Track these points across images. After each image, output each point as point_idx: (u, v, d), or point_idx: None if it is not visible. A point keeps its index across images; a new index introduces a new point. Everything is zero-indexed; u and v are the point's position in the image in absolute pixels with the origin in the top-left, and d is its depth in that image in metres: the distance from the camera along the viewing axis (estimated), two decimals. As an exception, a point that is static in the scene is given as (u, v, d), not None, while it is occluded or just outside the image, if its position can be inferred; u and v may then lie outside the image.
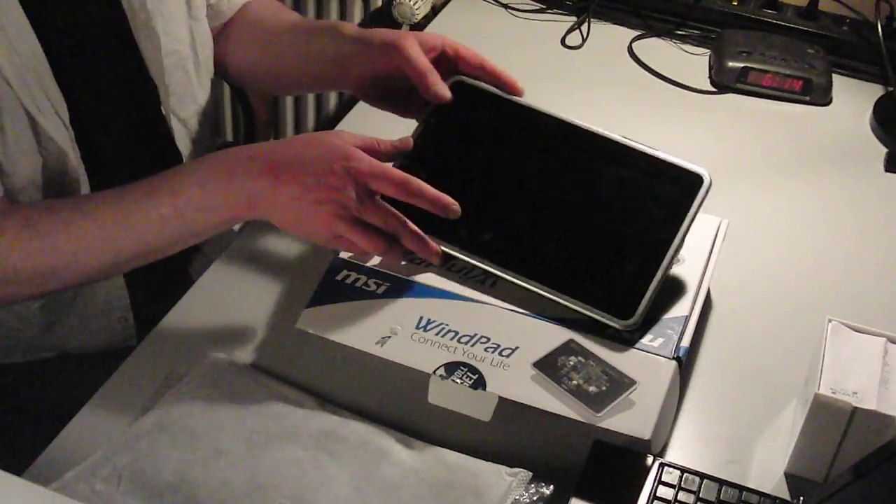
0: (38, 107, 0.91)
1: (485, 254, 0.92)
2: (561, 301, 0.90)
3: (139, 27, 1.01)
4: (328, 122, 1.92)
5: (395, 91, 1.00)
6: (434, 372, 0.85)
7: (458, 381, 0.85)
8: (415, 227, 0.88)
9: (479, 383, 0.85)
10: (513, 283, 0.91)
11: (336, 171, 0.85)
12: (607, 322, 0.88)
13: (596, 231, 0.94)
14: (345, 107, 1.30)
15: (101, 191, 0.91)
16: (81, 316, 1.06)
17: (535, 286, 0.90)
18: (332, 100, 1.92)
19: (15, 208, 0.90)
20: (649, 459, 0.82)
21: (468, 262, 0.93)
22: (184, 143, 1.10)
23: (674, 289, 0.93)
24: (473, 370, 0.85)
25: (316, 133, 0.87)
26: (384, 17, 1.72)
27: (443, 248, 0.92)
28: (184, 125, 1.10)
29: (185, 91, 1.08)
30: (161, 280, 1.07)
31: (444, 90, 0.94)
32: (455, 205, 0.88)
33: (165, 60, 1.04)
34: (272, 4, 1.18)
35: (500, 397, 0.84)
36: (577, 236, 0.94)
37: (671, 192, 0.93)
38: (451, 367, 0.86)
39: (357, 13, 1.80)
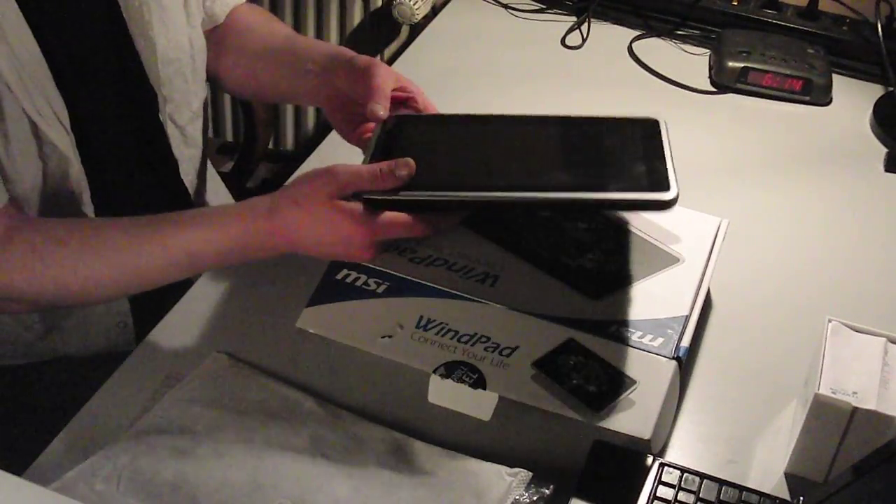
0: (40, 112, 0.91)
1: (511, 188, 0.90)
2: (603, 197, 0.88)
3: (137, 35, 1.01)
4: (328, 122, 1.92)
5: (350, 114, 1.03)
6: (434, 371, 0.85)
7: (458, 380, 0.85)
8: (422, 228, 0.90)
9: (479, 383, 0.85)
10: (546, 201, 0.90)
11: (355, 256, 0.91)
12: (655, 199, 0.87)
13: (591, 168, 0.93)
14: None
15: (109, 223, 0.91)
16: (81, 320, 1.06)
17: (569, 196, 0.88)
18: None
19: (21, 229, 0.89)
20: (649, 459, 0.82)
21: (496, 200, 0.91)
22: (180, 150, 1.10)
23: (674, 289, 0.93)
24: (473, 369, 0.85)
25: (333, 209, 0.86)
26: (384, 16, 1.72)
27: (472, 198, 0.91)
28: (181, 132, 1.10)
29: (183, 98, 1.08)
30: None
31: (379, 109, 0.95)
32: (401, 163, 0.88)
33: (166, 69, 1.04)
34: (265, 16, 1.18)
35: (500, 397, 0.84)
36: (576, 171, 0.93)
37: (637, 136, 0.95)
38: (451, 367, 0.86)
39: (357, 13, 1.80)
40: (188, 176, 1.12)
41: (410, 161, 0.87)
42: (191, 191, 1.13)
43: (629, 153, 0.93)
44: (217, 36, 1.15)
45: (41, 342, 1.06)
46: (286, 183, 0.91)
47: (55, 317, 1.05)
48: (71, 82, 0.95)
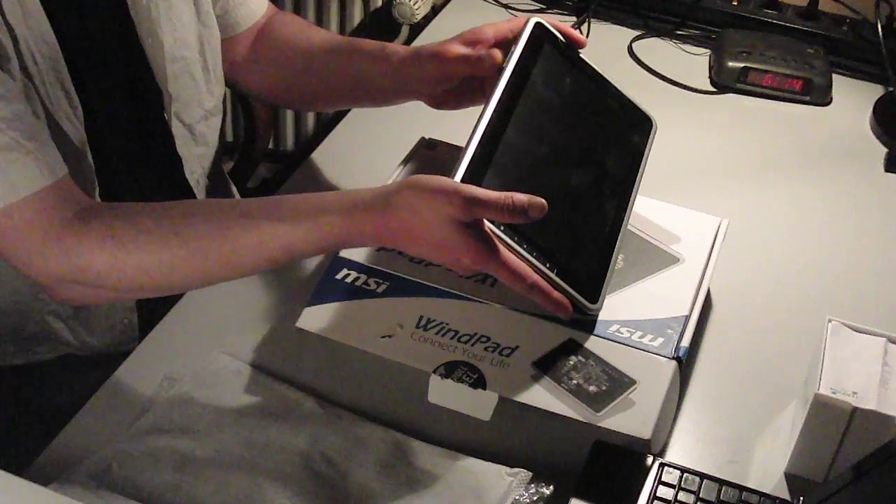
0: (57, 105, 0.91)
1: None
2: (545, 272, 0.85)
3: (144, 34, 1.01)
4: (328, 121, 1.92)
5: (458, 94, 1.02)
6: (434, 371, 0.85)
7: (458, 380, 0.85)
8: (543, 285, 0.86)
9: (479, 383, 0.84)
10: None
11: (463, 265, 0.84)
12: (577, 302, 0.87)
13: (578, 188, 0.93)
14: (344, 109, 1.30)
15: (195, 211, 0.88)
16: (85, 316, 1.06)
17: (527, 253, 0.84)
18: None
19: (98, 213, 0.87)
20: (649, 459, 0.82)
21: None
22: (186, 148, 1.10)
23: (674, 289, 0.93)
24: (473, 369, 0.85)
25: (452, 232, 0.81)
26: (384, 17, 1.72)
27: None
28: (189, 130, 1.10)
29: (192, 97, 1.08)
30: None
31: (492, 56, 0.96)
32: (536, 204, 0.82)
33: (172, 66, 1.04)
34: (296, 22, 1.16)
35: (500, 397, 0.84)
36: (564, 198, 0.92)
37: (630, 139, 0.96)
38: (450, 367, 0.86)
39: (357, 13, 1.80)
40: (194, 174, 1.12)
41: (545, 203, 0.81)
42: (196, 189, 1.13)
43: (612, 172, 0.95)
44: (248, 47, 1.14)
45: (49, 331, 1.06)
46: (399, 183, 0.83)
47: (58, 319, 1.05)
48: (83, 77, 0.95)
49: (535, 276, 0.84)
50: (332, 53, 1.10)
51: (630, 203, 0.96)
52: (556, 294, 0.86)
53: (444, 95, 1.03)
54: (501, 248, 0.83)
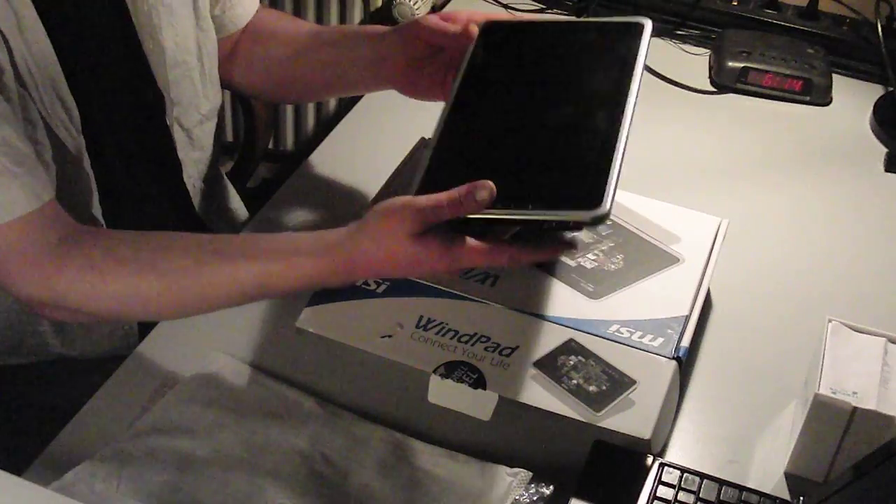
0: (53, 114, 0.91)
1: None
2: (526, 217, 0.80)
3: (146, 39, 1.01)
4: (328, 121, 1.92)
5: (430, 76, 1.01)
6: (434, 371, 0.85)
7: (458, 380, 0.85)
8: (503, 258, 0.84)
9: (479, 383, 0.84)
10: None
11: (441, 272, 0.84)
12: (580, 218, 0.79)
13: (554, 126, 0.88)
14: (345, 107, 1.30)
15: (173, 244, 0.89)
16: (86, 323, 1.06)
17: (499, 214, 0.80)
18: (332, 101, 1.91)
19: (78, 242, 0.88)
20: (649, 459, 0.82)
21: None
22: (185, 152, 1.10)
23: (674, 289, 0.93)
24: (473, 369, 0.85)
25: (414, 245, 0.82)
26: (384, 17, 1.72)
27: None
28: (188, 135, 1.10)
29: (191, 101, 1.08)
30: None
31: (456, 28, 0.95)
32: (480, 186, 0.81)
33: (173, 71, 1.04)
34: (283, 17, 1.17)
35: (500, 397, 0.84)
36: (537, 141, 0.87)
37: (617, 53, 0.90)
38: (451, 367, 0.86)
39: (357, 13, 1.80)
40: (192, 179, 1.12)
41: (489, 183, 0.80)
42: (193, 194, 1.13)
43: (596, 96, 0.88)
44: (238, 45, 1.14)
45: (46, 344, 1.06)
46: (363, 218, 0.84)
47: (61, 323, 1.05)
48: (81, 84, 0.95)
49: (511, 248, 0.83)
50: (316, 39, 1.10)
51: (628, 104, 0.86)
52: (539, 251, 0.85)
53: (416, 76, 1.01)
54: (468, 239, 0.81)
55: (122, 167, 1.04)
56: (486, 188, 0.80)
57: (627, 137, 0.83)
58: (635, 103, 0.85)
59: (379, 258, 0.83)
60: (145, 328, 1.03)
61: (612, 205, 0.77)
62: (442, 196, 0.81)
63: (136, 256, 0.87)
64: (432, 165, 0.85)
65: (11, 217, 0.84)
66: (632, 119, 0.84)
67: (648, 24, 0.92)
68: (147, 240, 0.89)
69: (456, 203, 0.80)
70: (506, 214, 0.80)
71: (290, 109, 1.93)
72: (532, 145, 0.87)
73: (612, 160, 0.80)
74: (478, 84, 0.92)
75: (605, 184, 0.79)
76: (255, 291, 0.87)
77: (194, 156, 1.12)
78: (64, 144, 0.93)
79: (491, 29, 0.95)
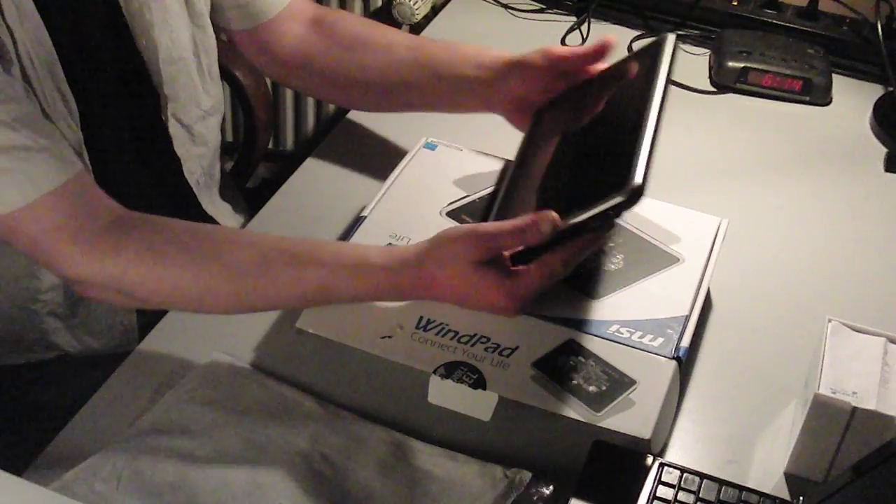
0: (54, 107, 0.92)
1: None
2: (573, 220, 0.84)
3: (139, 35, 1.01)
4: (328, 121, 1.92)
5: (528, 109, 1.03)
6: (434, 372, 0.85)
7: (458, 380, 0.85)
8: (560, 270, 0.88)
9: (479, 383, 0.84)
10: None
11: (498, 313, 0.88)
12: (614, 202, 0.82)
13: (593, 143, 0.94)
14: (343, 109, 1.30)
15: (238, 239, 0.88)
16: (86, 317, 1.06)
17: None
18: (332, 100, 1.91)
19: (136, 225, 0.88)
20: (649, 459, 0.82)
21: None
22: (184, 149, 1.10)
23: (674, 289, 0.93)
24: (473, 370, 0.85)
25: (477, 274, 0.85)
26: (384, 16, 1.72)
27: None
28: (187, 130, 1.10)
29: (190, 97, 1.08)
30: None
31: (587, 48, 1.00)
32: (544, 218, 0.84)
33: (170, 67, 1.04)
34: (375, 26, 1.14)
35: (500, 397, 0.84)
36: (580, 159, 0.93)
37: (644, 68, 0.94)
38: (450, 367, 0.86)
39: (357, 13, 1.80)
40: (194, 175, 1.12)
41: (553, 214, 0.83)
42: (196, 190, 1.13)
43: (624, 106, 0.93)
44: (329, 56, 1.12)
45: (47, 339, 1.06)
46: (431, 239, 0.87)
47: (58, 319, 1.05)
48: (78, 79, 0.95)
49: (562, 256, 0.86)
50: (418, 53, 1.09)
51: (653, 101, 0.89)
52: (581, 246, 0.88)
53: (525, 106, 1.03)
54: (521, 268, 0.86)
55: (120, 163, 1.04)
56: (549, 220, 0.83)
57: (656, 129, 0.87)
58: (662, 100, 0.90)
59: (440, 281, 0.85)
60: (145, 324, 1.04)
61: (645, 179, 0.82)
62: (506, 225, 0.84)
63: (199, 245, 0.86)
64: (505, 196, 0.95)
65: (51, 187, 0.83)
66: (659, 115, 0.88)
67: (670, 36, 0.97)
68: (210, 230, 0.89)
69: (520, 232, 0.83)
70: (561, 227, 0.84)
71: (290, 109, 1.93)
72: (575, 165, 0.93)
73: (638, 146, 0.84)
74: (535, 143, 0.99)
75: (633, 164, 0.83)
76: (315, 296, 0.87)
77: (196, 151, 1.12)
78: (64, 138, 0.93)
79: (541, 110, 1.03)
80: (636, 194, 0.81)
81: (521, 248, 0.86)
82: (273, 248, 0.87)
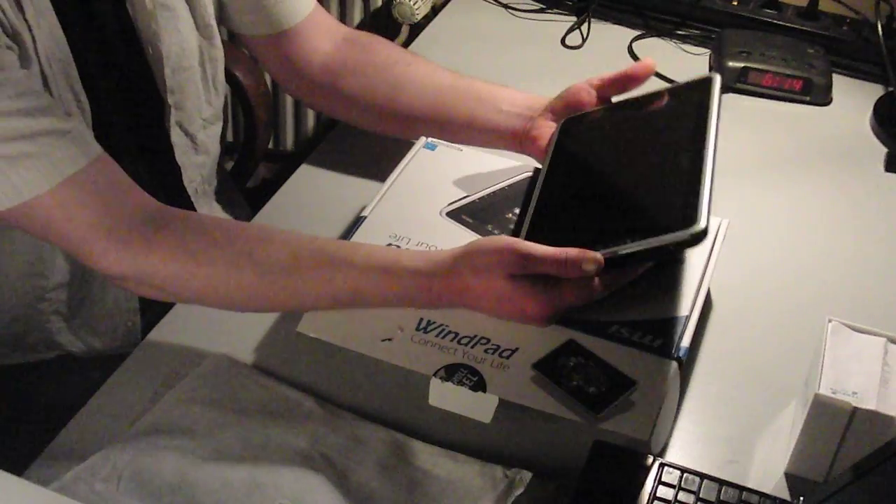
0: (68, 111, 0.92)
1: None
2: (631, 250, 0.84)
3: (147, 44, 1.01)
4: (328, 121, 1.92)
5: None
6: (434, 374, 0.85)
7: (459, 383, 0.85)
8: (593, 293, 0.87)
9: (480, 385, 0.84)
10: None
11: (529, 323, 0.88)
12: (679, 239, 0.82)
13: (642, 174, 0.95)
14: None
15: (271, 237, 0.88)
16: (89, 317, 1.06)
17: (602, 251, 0.85)
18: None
19: (170, 221, 0.88)
20: (649, 459, 0.82)
21: None
22: (186, 157, 1.10)
23: (674, 289, 0.93)
24: (474, 372, 0.85)
25: (512, 286, 0.84)
26: (384, 17, 1.72)
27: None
28: (191, 139, 1.10)
29: (194, 106, 1.09)
30: None
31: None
32: (588, 259, 0.84)
33: (177, 76, 1.04)
34: (419, 62, 1.14)
35: (500, 399, 0.84)
36: (630, 189, 0.94)
37: (691, 103, 0.96)
38: (451, 369, 0.86)
39: (357, 13, 1.80)
40: (193, 183, 1.12)
41: (599, 257, 0.83)
42: (194, 198, 1.13)
43: (678, 143, 0.95)
44: (377, 92, 1.12)
45: (51, 339, 1.06)
46: (465, 246, 0.86)
47: (61, 319, 1.05)
48: (91, 83, 0.95)
49: (605, 280, 0.85)
50: (455, 94, 1.09)
51: (709, 135, 0.92)
52: (626, 273, 0.88)
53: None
54: (558, 283, 0.85)
55: (124, 167, 1.04)
56: (593, 261, 0.83)
57: (714, 169, 0.88)
58: (716, 142, 0.91)
59: (474, 289, 0.85)
60: (148, 325, 1.04)
61: (708, 222, 0.83)
62: (548, 253, 0.83)
63: (231, 243, 0.87)
64: (539, 208, 0.94)
65: (75, 168, 0.84)
66: (715, 153, 0.90)
67: (717, 78, 0.99)
68: (243, 228, 0.89)
69: (561, 264, 0.83)
70: (610, 253, 0.84)
71: (290, 109, 1.93)
72: (626, 191, 0.94)
73: (701, 187, 0.86)
74: (569, 156, 0.99)
75: (698, 204, 0.84)
76: (347, 298, 0.87)
77: (197, 160, 1.12)
78: None
79: (571, 120, 1.03)
80: (699, 237, 0.82)
81: None
82: (305, 248, 0.87)
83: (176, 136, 1.07)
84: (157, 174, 1.09)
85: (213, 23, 1.08)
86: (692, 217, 0.83)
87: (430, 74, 1.11)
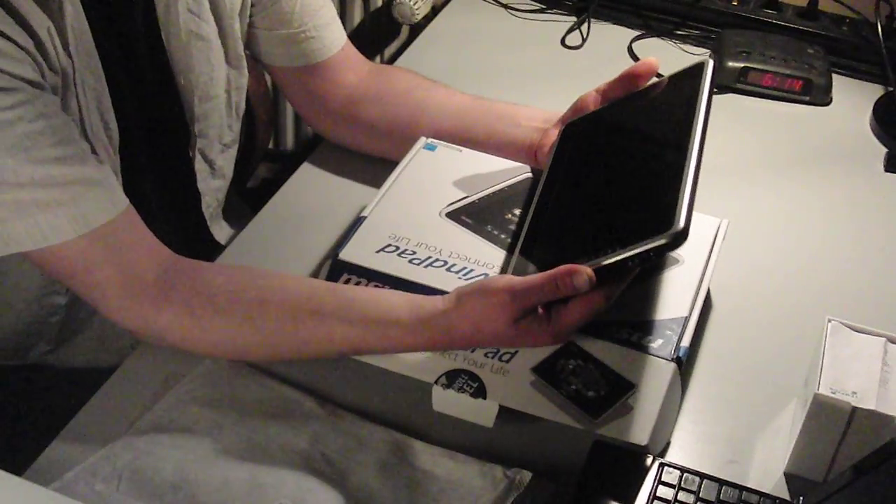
0: (97, 136, 0.92)
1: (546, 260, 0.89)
2: (613, 259, 0.82)
3: (178, 73, 1.01)
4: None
5: None
6: (436, 382, 0.85)
7: (459, 390, 0.84)
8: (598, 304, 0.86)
9: (480, 392, 0.84)
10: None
11: (538, 344, 0.88)
12: (658, 244, 0.80)
13: (629, 176, 0.94)
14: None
15: (269, 297, 0.89)
16: (96, 335, 1.06)
17: (588, 263, 0.84)
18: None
19: (177, 285, 0.89)
20: (649, 459, 0.82)
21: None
22: (206, 183, 1.11)
23: (674, 289, 0.93)
24: (474, 378, 0.85)
25: (513, 330, 0.84)
26: (384, 16, 1.72)
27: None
28: (210, 165, 1.10)
29: (216, 134, 1.09)
30: None
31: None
32: (578, 273, 0.83)
33: (203, 106, 1.04)
34: (436, 87, 1.14)
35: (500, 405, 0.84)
36: (616, 192, 0.93)
37: (681, 95, 0.94)
38: (452, 376, 0.85)
39: (357, 13, 1.79)
40: (210, 208, 1.13)
41: (589, 271, 0.82)
42: (209, 223, 1.13)
43: (663, 139, 0.94)
44: (396, 123, 1.12)
45: (50, 355, 1.07)
46: (459, 296, 0.86)
47: (69, 332, 1.05)
48: (120, 110, 0.95)
49: (604, 292, 0.84)
50: (472, 116, 1.10)
51: (695, 129, 0.89)
52: (621, 280, 0.86)
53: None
54: (562, 307, 0.84)
55: (148, 194, 1.04)
56: (584, 275, 0.82)
57: (698, 166, 0.86)
58: (703, 135, 0.89)
59: (477, 336, 0.85)
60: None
61: (686, 223, 0.80)
62: (537, 280, 0.83)
63: (232, 309, 0.88)
64: (534, 220, 0.94)
65: (103, 220, 0.85)
66: (700, 149, 0.88)
67: (709, 62, 0.97)
68: (245, 289, 0.90)
69: (552, 287, 0.82)
70: (594, 265, 0.83)
71: (290, 109, 1.93)
72: (612, 197, 0.92)
73: (681, 187, 0.84)
74: (565, 161, 0.99)
75: (676, 206, 0.82)
76: (348, 350, 0.88)
77: (214, 185, 1.12)
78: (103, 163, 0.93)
79: (571, 125, 1.02)
80: (679, 238, 0.80)
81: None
82: (304, 309, 0.88)
83: (198, 164, 1.07)
84: (179, 201, 1.09)
85: (243, 53, 1.08)
86: (671, 219, 0.81)
87: (450, 96, 1.12)
